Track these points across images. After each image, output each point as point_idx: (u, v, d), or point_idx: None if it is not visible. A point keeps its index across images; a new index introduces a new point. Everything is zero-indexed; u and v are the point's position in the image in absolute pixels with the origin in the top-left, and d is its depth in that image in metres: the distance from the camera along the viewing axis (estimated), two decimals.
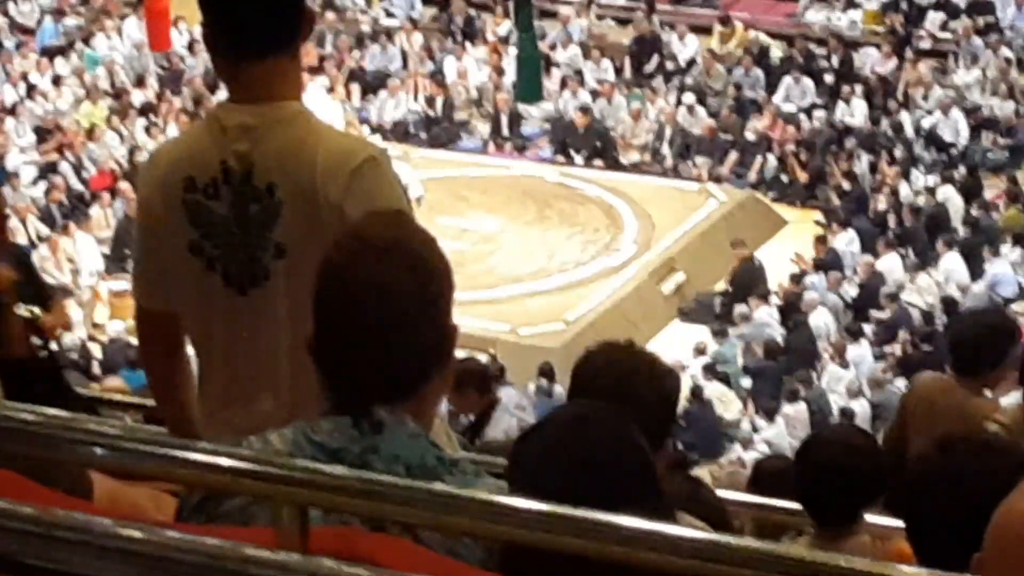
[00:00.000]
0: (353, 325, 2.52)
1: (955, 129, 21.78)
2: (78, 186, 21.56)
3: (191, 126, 4.24)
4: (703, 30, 24.28)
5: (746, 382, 17.79)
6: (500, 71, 23.37)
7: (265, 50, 3.41)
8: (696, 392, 17.01)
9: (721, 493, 5.13)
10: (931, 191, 20.40)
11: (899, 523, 2.96)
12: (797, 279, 18.99)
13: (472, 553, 2.37)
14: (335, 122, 20.64)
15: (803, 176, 21.51)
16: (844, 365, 17.42)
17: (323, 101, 22.15)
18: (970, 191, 20.37)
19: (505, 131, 23.09)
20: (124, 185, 20.47)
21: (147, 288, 3.61)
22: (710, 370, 17.46)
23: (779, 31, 24.25)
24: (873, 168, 21.24)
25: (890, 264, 19.19)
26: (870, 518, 4.43)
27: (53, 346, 4.39)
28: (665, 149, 22.45)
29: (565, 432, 2.40)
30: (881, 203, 20.48)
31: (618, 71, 23.91)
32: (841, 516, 4.32)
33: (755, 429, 16.93)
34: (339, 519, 2.35)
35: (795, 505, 4.67)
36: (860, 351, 17.76)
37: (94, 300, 19.32)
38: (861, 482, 4.30)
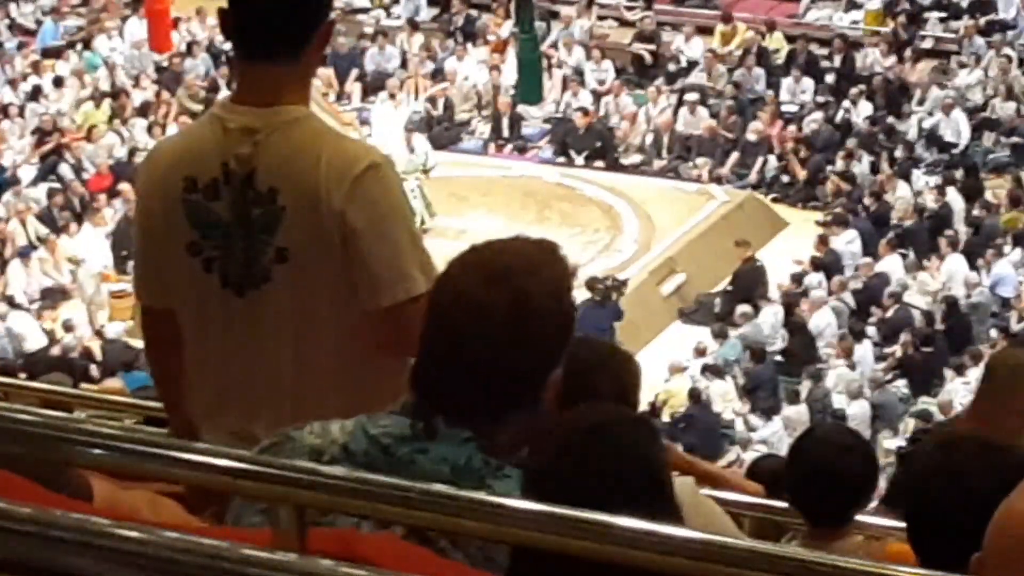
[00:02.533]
0: (439, 335, 2.57)
1: (956, 129, 21.76)
2: (78, 187, 21.53)
3: (192, 124, 4.23)
4: (704, 30, 24.26)
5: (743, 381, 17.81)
6: (501, 72, 23.35)
7: (274, 53, 3.41)
8: (695, 394, 16.99)
9: (721, 494, 5.11)
10: (940, 189, 20.35)
11: (896, 523, 2.95)
12: (798, 279, 18.97)
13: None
14: (395, 130, 20.80)
15: (804, 176, 21.49)
16: (852, 367, 17.40)
17: (385, 110, 22.24)
18: (972, 192, 20.35)
19: (506, 132, 23.08)
20: (124, 186, 20.45)
21: (148, 285, 3.62)
22: (710, 368, 17.45)
23: (780, 31, 24.22)
24: (874, 168, 21.23)
25: (891, 265, 19.18)
26: (868, 518, 4.42)
27: None
28: (665, 150, 22.43)
29: (577, 443, 2.39)
30: (882, 204, 20.45)
31: (619, 71, 23.88)
32: (833, 517, 4.31)
33: (752, 429, 16.93)
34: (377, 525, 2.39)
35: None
36: (861, 351, 17.75)
37: (99, 296, 19.24)
38: (853, 483, 4.30)
